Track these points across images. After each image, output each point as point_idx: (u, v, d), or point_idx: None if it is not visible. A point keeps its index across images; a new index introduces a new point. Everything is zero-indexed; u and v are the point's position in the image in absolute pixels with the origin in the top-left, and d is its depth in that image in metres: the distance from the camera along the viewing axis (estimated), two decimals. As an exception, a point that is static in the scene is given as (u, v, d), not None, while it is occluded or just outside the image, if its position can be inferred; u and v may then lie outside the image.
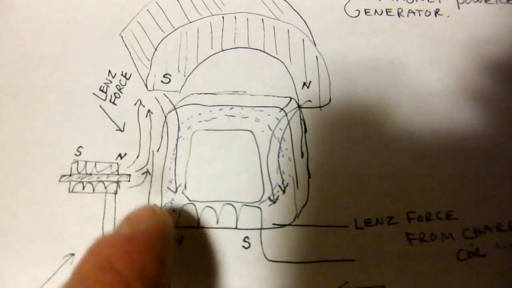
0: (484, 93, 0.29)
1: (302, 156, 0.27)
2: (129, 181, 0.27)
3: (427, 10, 0.31)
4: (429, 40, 0.30)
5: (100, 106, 0.29)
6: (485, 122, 0.28)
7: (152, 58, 0.29)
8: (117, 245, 0.20)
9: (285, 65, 0.29)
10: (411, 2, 0.31)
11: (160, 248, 0.21)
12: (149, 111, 0.28)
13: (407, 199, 0.27)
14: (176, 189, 0.27)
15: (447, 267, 0.26)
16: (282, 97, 0.28)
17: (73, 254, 0.26)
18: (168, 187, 0.27)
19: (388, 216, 0.27)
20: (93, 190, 0.27)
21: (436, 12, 0.31)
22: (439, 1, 0.31)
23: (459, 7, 0.31)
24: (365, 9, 0.31)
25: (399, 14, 0.31)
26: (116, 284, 0.18)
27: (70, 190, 0.27)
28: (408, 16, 0.31)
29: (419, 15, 0.31)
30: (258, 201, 0.27)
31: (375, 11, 0.31)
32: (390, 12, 0.31)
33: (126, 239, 0.21)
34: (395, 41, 0.30)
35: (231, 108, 0.28)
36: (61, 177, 0.27)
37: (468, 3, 0.31)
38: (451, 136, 0.28)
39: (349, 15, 0.31)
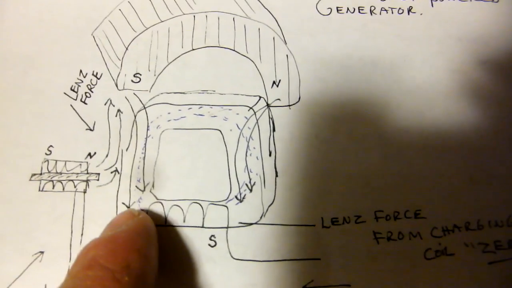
0: (456, 90, 0.29)
1: (270, 155, 0.27)
2: (98, 180, 0.27)
3: (400, 8, 0.31)
4: (402, 38, 0.30)
5: (71, 105, 0.29)
6: (455, 119, 0.28)
7: (123, 58, 0.29)
8: (101, 246, 0.22)
9: (255, 64, 0.29)
10: (384, 0, 0.31)
11: (141, 243, 0.23)
12: (119, 110, 0.28)
13: (375, 198, 0.27)
14: (144, 187, 0.27)
15: (414, 266, 0.26)
16: (251, 96, 0.28)
17: (42, 252, 0.26)
18: (136, 186, 0.27)
19: (356, 215, 0.27)
20: (63, 189, 0.27)
21: (409, 10, 0.31)
22: (413, -1, 0.31)
23: (432, 5, 0.31)
24: (337, 7, 0.31)
25: (371, 12, 0.31)
26: (103, 278, 0.20)
27: (40, 188, 0.27)
28: (380, 14, 0.31)
29: (392, 12, 0.31)
30: (225, 199, 0.27)
31: (347, 9, 0.31)
32: (362, 10, 0.31)
33: (109, 239, 0.22)
34: (367, 39, 0.30)
35: (200, 107, 0.28)
36: (31, 176, 0.28)
37: (442, 0, 0.31)
38: (420, 134, 0.28)
39: (321, 13, 0.31)
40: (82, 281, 0.20)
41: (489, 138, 0.28)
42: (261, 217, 0.26)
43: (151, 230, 0.25)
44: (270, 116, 0.28)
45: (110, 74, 0.29)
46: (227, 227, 0.26)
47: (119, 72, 0.29)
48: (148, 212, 0.27)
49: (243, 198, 0.27)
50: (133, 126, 0.28)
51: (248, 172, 0.27)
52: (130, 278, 0.20)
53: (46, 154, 0.28)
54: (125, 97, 0.29)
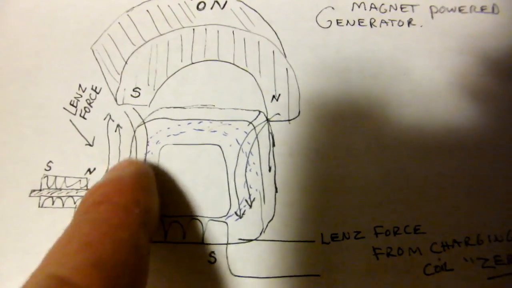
0: (456, 104, 0.29)
1: (269, 170, 0.27)
2: (97, 196, 0.27)
3: (400, 20, 0.31)
4: (402, 51, 0.30)
5: (70, 120, 0.29)
6: (455, 133, 0.28)
7: (122, 72, 0.29)
8: (110, 185, 0.22)
9: (254, 78, 0.29)
10: (384, 12, 0.31)
11: (146, 182, 0.24)
12: (118, 125, 0.28)
13: (375, 213, 0.27)
14: (144, 204, 0.27)
15: (414, 281, 0.26)
16: (250, 110, 0.28)
17: (42, 269, 0.26)
18: (136, 202, 0.27)
19: (355, 231, 0.27)
20: (63, 205, 0.27)
21: (409, 22, 0.31)
22: (413, 11, 0.31)
23: (432, 17, 0.31)
24: (337, 20, 0.31)
25: (371, 25, 0.30)
26: (116, 210, 0.21)
27: (40, 205, 0.27)
28: (380, 26, 0.30)
29: (392, 25, 0.31)
30: (225, 216, 0.27)
31: (347, 21, 0.31)
32: (362, 22, 0.31)
33: (115, 179, 0.23)
34: (367, 52, 0.30)
35: (199, 122, 0.28)
36: (31, 192, 0.28)
37: (442, 12, 0.31)
38: (421, 149, 0.28)
39: (321, 26, 0.30)
40: (96, 214, 0.20)
41: (489, 152, 0.28)
42: (260, 233, 0.26)
43: (151, 174, 0.25)
44: (270, 131, 0.28)
45: (109, 88, 0.29)
46: (227, 244, 0.26)
47: (118, 87, 0.29)
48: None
49: (243, 214, 0.27)
50: (132, 141, 0.28)
51: (248, 188, 0.27)
52: (140, 211, 0.21)
53: (45, 169, 0.28)
54: (125, 112, 0.29)
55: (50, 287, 0.16)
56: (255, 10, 0.31)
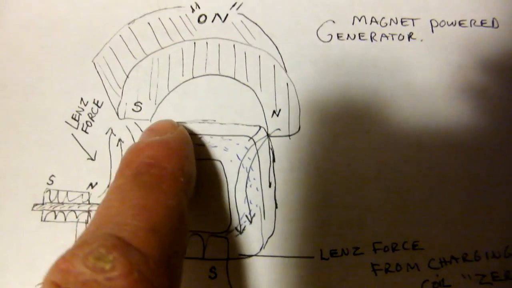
0: (456, 119, 0.29)
1: (270, 186, 0.28)
2: (99, 210, 0.27)
3: (400, 34, 0.31)
4: (402, 66, 0.30)
5: (72, 134, 0.29)
6: (455, 148, 0.28)
7: (123, 86, 0.30)
8: (158, 147, 0.22)
9: (255, 92, 0.29)
10: (384, 26, 0.31)
11: (189, 151, 0.24)
12: (120, 140, 0.29)
13: (373, 229, 0.27)
14: (145, 218, 0.27)
15: (412, 297, 0.26)
16: (251, 125, 0.29)
17: (45, 283, 0.27)
18: (137, 217, 0.27)
19: (354, 247, 0.27)
20: (65, 219, 0.28)
21: (410, 36, 0.31)
22: (413, 25, 0.31)
23: (433, 31, 0.31)
24: (337, 34, 0.31)
25: (372, 39, 0.31)
26: (165, 177, 0.21)
27: (43, 219, 0.28)
28: (381, 40, 0.31)
29: (392, 39, 0.31)
30: (225, 231, 0.27)
31: (348, 35, 0.31)
32: (363, 36, 0.31)
33: (162, 142, 0.23)
34: (368, 67, 0.30)
35: (200, 137, 0.28)
36: (33, 206, 0.28)
37: (442, 26, 0.31)
38: (420, 165, 0.28)
39: (321, 40, 0.31)
40: (148, 177, 0.21)
41: (487, 169, 0.28)
42: (260, 249, 0.27)
43: (190, 140, 0.26)
44: (270, 147, 0.28)
45: (111, 102, 0.29)
46: (227, 259, 0.27)
47: (120, 101, 0.29)
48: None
49: (243, 229, 0.27)
50: (134, 156, 0.28)
51: (248, 204, 0.27)
52: (184, 179, 0.22)
53: (48, 183, 0.28)
54: (126, 126, 0.29)
55: (116, 245, 0.16)
56: (256, 24, 0.31)
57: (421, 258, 0.27)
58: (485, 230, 0.27)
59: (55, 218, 0.28)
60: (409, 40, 0.31)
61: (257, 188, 0.27)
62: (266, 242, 0.27)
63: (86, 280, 0.15)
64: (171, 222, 0.19)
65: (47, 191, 0.28)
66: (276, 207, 0.27)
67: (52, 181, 0.28)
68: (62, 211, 0.28)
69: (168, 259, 0.18)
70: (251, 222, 0.27)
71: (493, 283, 0.27)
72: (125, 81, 0.30)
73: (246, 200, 0.27)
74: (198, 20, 0.31)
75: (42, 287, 0.16)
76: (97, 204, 0.28)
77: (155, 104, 0.29)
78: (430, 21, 0.31)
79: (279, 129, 0.29)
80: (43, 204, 0.28)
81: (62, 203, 0.28)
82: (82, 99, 0.30)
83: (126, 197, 0.20)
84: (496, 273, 0.27)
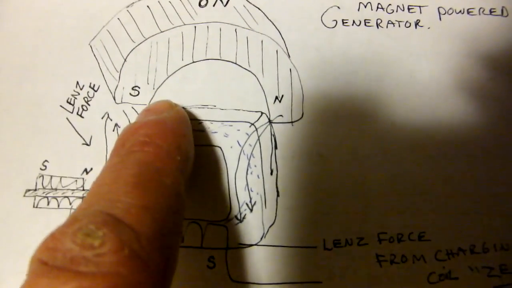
0: (464, 108, 0.28)
1: (271, 173, 0.27)
2: (94, 197, 0.26)
3: (407, 21, 0.30)
4: (409, 53, 0.29)
5: (67, 118, 0.28)
6: (463, 138, 0.28)
7: (121, 70, 0.29)
8: (152, 126, 0.22)
9: (257, 78, 0.28)
10: (390, 13, 0.30)
11: (186, 129, 0.24)
12: (116, 124, 0.28)
13: (378, 220, 0.26)
14: (142, 206, 0.26)
15: (417, 290, 0.25)
16: (252, 111, 0.28)
17: (36, 271, 0.25)
18: (133, 204, 0.26)
19: (358, 237, 0.26)
20: (58, 205, 0.27)
21: (417, 23, 0.30)
22: (420, 12, 0.30)
23: (440, 19, 0.30)
24: (342, 20, 0.30)
25: (378, 25, 0.30)
26: (159, 154, 0.20)
27: (35, 205, 0.27)
28: (387, 27, 0.30)
29: (399, 26, 0.30)
30: (225, 219, 0.26)
31: (353, 21, 0.30)
32: (368, 23, 0.30)
33: (157, 121, 0.23)
34: (373, 54, 0.29)
35: (199, 123, 0.27)
36: (26, 192, 0.27)
37: (450, 14, 0.30)
38: (427, 154, 0.27)
39: (326, 26, 0.30)
40: (141, 155, 0.20)
41: (496, 158, 0.27)
42: (261, 238, 0.26)
43: (189, 121, 0.25)
44: (272, 133, 0.27)
45: (108, 86, 0.28)
46: (227, 248, 0.26)
47: (117, 85, 0.28)
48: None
49: (243, 218, 0.26)
50: (131, 141, 0.27)
51: (249, 191, 0.26)
52: (181, 158, 0.21)
53: (41, 169, 0.27)
54: (123, 111, 0.28)
55: (107, 222, 0.16)
56: (258, 8, 0.30)
57: (427, 249, 0.26)
58: (493, 221, 0.27)
59: (48, 204, 0.27)
60: (416, 27, 0.30)
61: (258, 176, 0.27)
62: (267, 231, 0.26)
63: (74, 256, 0.14)
64: (165, 200, 0.19)
65: (40, 177, 0.27)
66: (278, 195, 0.26)
67: (46, 166, 0.27)
68: (55, 198, 0.27)
69: (162, 237, 0.17)
70: (251, 210, 0.26)
71: (502, 276, 0.26)
72: (123, 64, 0.29)
73: (246, 187, 0.26)
74: (199, 4, 0.30)
75: (29, 266, 0.15)
76: (92, 190, 0.26)
77: (153, 88, 0.28)
78: (438, 8, 0.30)
79: (281, 115, 0.28)
80: (35, 190, 0.27)
81: (56, 189, 0.27)
82: (78, 82, 0.29)
83: (120, 175, 0.19)
84: (504, 265, 0.26)
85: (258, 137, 0.27)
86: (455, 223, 0.26)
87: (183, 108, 0.27)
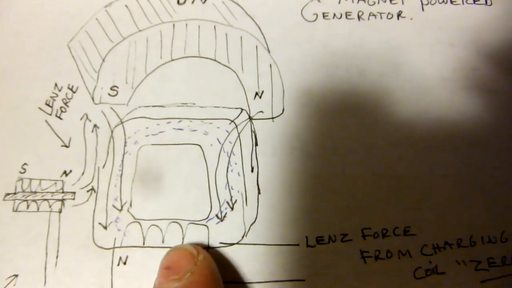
0: (448, 99, 0.28)
1: (252, 171, 0.26)
2: (74, 199, 0.26)
3: (389, 13, 0.29)
4: (391, 45, 0.29)
5: (46, 121, 0.28)
6: (446, 130, 0.27)
7: (99, 70, 0.28)
8: None
9: (237, 74, 0.28)
10: (372, 5, 0.29)
11: None
12: (95, 125, 0.27)
13: (362, 215, 0.26)
14: (122, 207, 0.26)
15: (403, 286, 0.25)
16: (232, 108, 0.27)
17: (16, 275, 0.25)
18: (113, 205, 0.26)
19: (342, 233, 0.26)
20: (38, 209, 0.26)
21: (399, 15, 0.29)
22: (402, 3, 0.30)
23: (423, 9, 0.29)
24: (323, 13, 0.29)
25: (359, 18, 0.29)
26: None
27: (15, 209, 0.26)
28: (369, 19, 0.29)
29: (381, 18, 0.29)
30: (205, 218, 0.26)
31: (334, 14, 0.29)
32: (350, 15, 0.29)
33: None
34: (355, 47, 0.29)
35: (179, 121, 0.27)
36: (5, 196, 0.27)
37: (433, 4, 0.29)
38: (410, 147, 0.27)
39: (306, 20, 0.29)
40: None
41: (482, 150, 0.27)
42: (242, 237, 0.25)
43: (217, 272, 0.23)
44: (253, 130, 0.27)
45: (86, 87, 0.28)
46: (208, 248, 0.25)
47: (96, 85, 0.28)
48: (125, 232, 0.25)
49: (224, 216, 0.26)
50: (110, 142, 0.27)
51: (229, 189, 0.26)
52: None
53: (20, 172, 0.27)
54: (102, 112, 0.27)
55: None
56: (237, 4, 0.30)
57: (413, 244, 0.26)
58: (480, 214, 0.26)
59: (28, 208, 0.26)
60: (398, 18, 0.29)
61: (238, 173, 0.26)
62: (249, 229, 0.25)
63: None
64: None
65: (19, 180, 0.27)
66: (259, 192, 0.26)
67: (25, 169, 0.27)
68: (35, 201, 0.26)
69: None
70: (232, 208, 0.26)
71: (489, 269, 0.25)
72: (101, 65, 0.29)
73: (227, 185, 0.26)
74: (178, 2, 0.30)
75: None
76: (71, 192, 0.26)
77: (132, 88, 0.28)
78: (420, -2, 0.30)
79: (262, 111, 0.27)
80: (15, 193, 0.26)
81: (35, 192, 0.27)
82: (56, 84, 0.28)
83: None
84: (492, 259, 0.25)
85: (238, 134, 0.27)
86: (441, 217, 0.26)
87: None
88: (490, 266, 0.25)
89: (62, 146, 0.27)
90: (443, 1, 0.30)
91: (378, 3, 0.30)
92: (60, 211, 0.26)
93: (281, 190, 0.26)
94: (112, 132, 0.27)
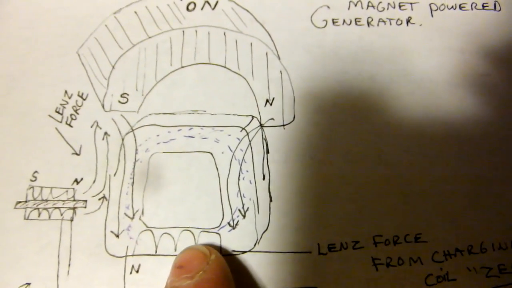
0: (458, 106, 0.28)
1: (263, 178, 0.26)
2: (85, 207, 0.26)
3: (398, 19, 0.29)
4: (401, 51, 0.29)
5: (56, 128, 0.28)
6: (457, 137, 0.27)
7: (109, 77, 0.28)
8: None
9: (247, 81, 0.28)
10: (381, 11, 0.29)
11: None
12: (106, 133, 0.27)
13: (373, 222, 0.26)
14: (134, 215, 0.26)
15: (415, 292, 0.25)
16: (243, 115, 0.27)
17: (29, 284, 0.25)
18: (125, 213, 0.26)
19: (353, 241, 0.26)
20: (49, 217, 0.26)
21: (408, 21, 0.29)
22: (412, 9, 0.30)
23: (432, 15, 0.29)
24: (333, 19, 0.29)
25: (368, 24, 0.29)
26: None
27: (26, 217, 0.26)
28: (378, 25, 0.29)
29: (390, 24, 0.29)
30: (217, 226, 0.26)
31: (344, 21, 0.29)
32: (359, 21, 0.29)
33: None
34: (365, 53, 0.29)
35: (190, 129, 0.27)
36: (16, 204, 0.27)
37: (442, 10, 0.29)
38: (421, 153, 0.27)
39: (316, 26, 0.29)
40: None
41: (492, 157, 0.27)
42: (255, 245, 0.25)
43: (228, 272, 0.23)
44: (264, 137, 0.27)
45: (96, 94, 0.28)
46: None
47: (106, 92, 0.28)
48: (137, 240, 0.25)
49: (236, 224, 0.26)
50: (120, 149, 0.27)
51: (241, 197, 0.26)
52: None
53: (31, 180, 0.27)
54: (112, 119, 0.27)
55: None
56: (247, 11, 0.29)
57: (424, 251, 0.26)
58: (491, 221, 0.26)
59: (39, 216, 0.26)
60: (407, 24, 0.29)
61: (250, 181, 0.26)
62: (261, 237, 0.26)
63: None
64: None
65: (30, 188, 0.27)
66: (271, 200, 0.26)
67: (36, 177, 0.27)
68: (46, 209, 0.26)
69: None
70: (244, 216, 0.26)
71: (500, 276, 0.25)
72: (111, 72, 0.28)
73: (239, 193, 0.26)
74: (187, 8, 0.30)
75: None
76: (83, 200, 0.26)
77: (142, 95, 0.28)
78: (430, 4, 0.30)
79: (272, 118, 0.27)
80: (26, 201, 0.26)
81: (46, 200, 0.26)
82: (66, 91, 0.28)
83: None
84: (503, 265, 0.25)
85: (250, 141, 0.27)
86: (452, 224, 0.26)
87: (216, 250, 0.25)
88: (501, 273, 0.25)
89: (72, 154, 0.27)
90: (452, 7, 0.30)
91: (388, 9, 0.30)
92: (71, 219, 0.26)
93: (293, 197, 0.26)
94: (123, 139, 0.27)
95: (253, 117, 0.27)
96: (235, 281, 0.24)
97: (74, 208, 0.26)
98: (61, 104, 0.28)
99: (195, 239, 0.25)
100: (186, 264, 0.23)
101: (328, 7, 0.30)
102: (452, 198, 0.26)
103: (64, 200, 0.26)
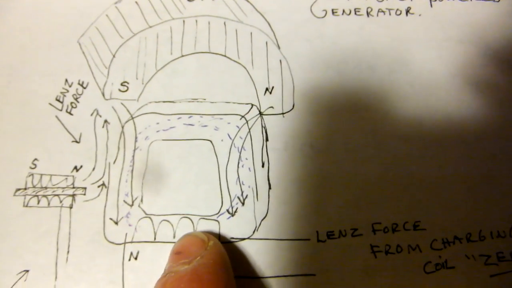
0: (457, 96, 0.28)
1: (263, 166, 0.26)
2: (84, 194, 0.26)
3: (398, 9, 0.30)
4: (400, 41, 0.29)
5: (56, 116, 0.28)
6: (455, 126, 0.27)
7: (109, 66, 0.28)
8: (186, 282, 0.20)
9: (247, 70, 0.28)
10: (381, 1, 0.30)
11: (225, 277, 0.21)
12: (105, 121, 0.27)
13: (372, 210, 0.26)
14: (133, 202, 0.26)
15: (413, 280, 0.25)
16: (243, 104, 0.27)
17: (27, 271, 0.25)
18: (124, 200, 0.26)
19: (352, 228, 0.26)
20: (48, 204, 0.26)
21: (408, 11, 0.29)
22: (411, -1, 0.30)
23: (431, 5, 0.30)
24: (332, 9, 0.29)
25: (368, 14, 0.29)
26: None
27: (25, 204, 0.26)
28: (377, 15, 0.29)
29: (389, 14, 0.29)
30: (216, 214, 0.26)
31: (343, 11, 0.29)
32: (359, 11, 0.29)
33: (192, 274, 0.21)
34: (364, 42, 0.29)
35: (189, 117, 0.27)
36: (16, 191, 0.27)
37: (441, 0, 0.30)
38: (420, 142, 0.27)
39: (315, 16, 0.29)
40: None
41: (491, 146, 0.27)
42: (253, 232, 0.25)
43: (226, 258, 0.23)
44: (263, 125, 0.27)
45: (97, 83, 0.28)
46: (219, 243, 0.25)
47: (106, 81, 0.28)
48: (136, 227, 0.25)
49: (235, 212, 0.26)
50: (120, 137, 0.27)
51: (240, 185, 0.26)
52: None
53: (30, 167, 0.27)
54: (112, 107, 0.28)
55: None
56: (247, 1, 0.30)
57: (423, 239, 0.26)
58: (489, 208, 0.26)
59: (38, 203, 0.26)
60: (407, 15, 0.29)
61: (249, 169, 0.26)
62: (259, 224, 0.26)
63: None
64: None
65: (29, 176, 0.27)
66: (270, 188, 0.26)
67: (35, 165, 0.27)
68: (45, 196, 0.26)
69: None
70: (243, 204, 0.26)
71: (499, 264, 0.25)
72: (112, 60, 0.29)
73: (238, 181, 0.26)
74: (187, -2, 0.30)
75: None
76: (82, 188, 0.26)
77: (143, 83, 0.28)
78: (428, -5, 0.30)
79: (272, 107, 0.27)
80: (25, 189, 0.27)
81: (46, 188, 0.27)
82: (66, 80, 0.28)
83: None
84: (501, 253, 0.26)
85: (249, 129, 0.27)
86: (451, 211, 0.26)
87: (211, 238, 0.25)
88: (500, 261, 0.25)
89: (72, 141, 0.27)
90: (452, -2, 0.30)
91: (387, -1, 0.30)
92: (71, 207, 0.26)
93: (291, 185, 0.26)
94: (122, 127, 0.27)
95: (252, 105, 0.27)
96: (234, 268, 0.24)
97: (73, 195, 0.26)
98: (61, 93, 0.28)
99: (194, 226, 0.26)
100: (184, 250, 0.23)
101: (328, -3, 0.30)
102: (450, 186, 0.26)
103: (63, 188, 0.27)
